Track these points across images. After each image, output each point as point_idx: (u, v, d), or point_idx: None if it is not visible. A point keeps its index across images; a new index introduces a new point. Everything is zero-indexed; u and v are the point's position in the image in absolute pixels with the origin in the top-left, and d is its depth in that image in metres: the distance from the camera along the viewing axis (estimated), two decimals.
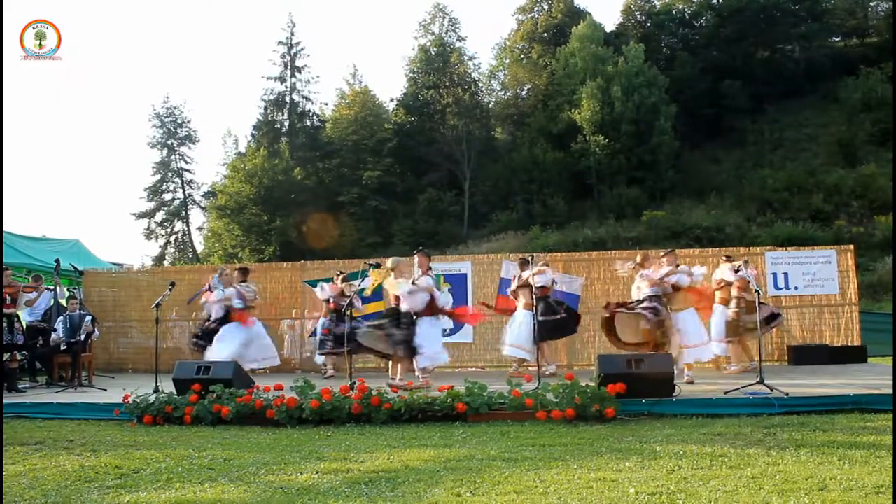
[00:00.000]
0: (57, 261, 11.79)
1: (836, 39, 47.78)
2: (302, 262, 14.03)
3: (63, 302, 11.76)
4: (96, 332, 11.77)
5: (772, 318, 10.56)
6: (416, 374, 9.34)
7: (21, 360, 10.21)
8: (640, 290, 9.36)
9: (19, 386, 10.20)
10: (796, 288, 12.17)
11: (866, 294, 21.49)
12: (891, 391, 7.05)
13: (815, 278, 12.18)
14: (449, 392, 7.31)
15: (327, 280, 12.11)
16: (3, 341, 9.73)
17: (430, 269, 9.68)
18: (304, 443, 6.29)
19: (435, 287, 9.56)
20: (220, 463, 5.46)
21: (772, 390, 7.49)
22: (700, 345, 9.27)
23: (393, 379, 9.14)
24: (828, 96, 41.84)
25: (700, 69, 44.94)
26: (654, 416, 7.01)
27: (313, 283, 12.46)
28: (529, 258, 10.46)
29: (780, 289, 12.14)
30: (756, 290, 8.39)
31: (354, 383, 7.77)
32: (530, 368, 9.91)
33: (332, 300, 11.40)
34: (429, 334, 9.32)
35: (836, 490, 4.21)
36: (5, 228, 14.49)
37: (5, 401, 8.90)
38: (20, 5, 50.35)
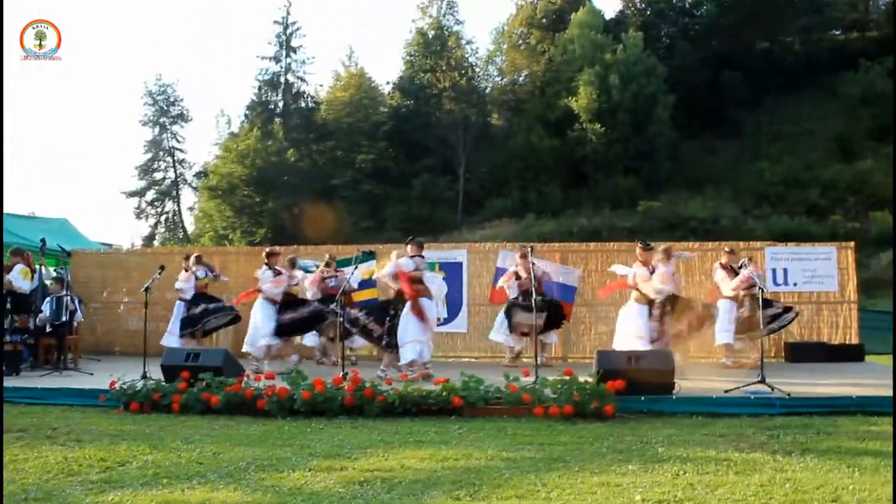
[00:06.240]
0: (42, 240, 11.44)
1: (837, 33, 47.44)
2: (294, 246, 13.81)
3: (48, 283, 11.48)
4: (80, 312, 11.51)
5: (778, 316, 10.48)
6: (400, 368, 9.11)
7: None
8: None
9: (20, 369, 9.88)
10: (795, 284, 12.01)
11: (860, 290, 21.38)
12: (891, 393, 6.91)
13: (814, 275, 12.02)
14: (444, 385, 7.12)
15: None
16: (3, 328, 9.31)
17: (422, 257, 9.31)
18: (295, 436, 6.11)
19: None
20: (209, 457, 5.27)
21: (773, 389, 7.34)
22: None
23: (384, 371, 8.91)
24: (827, 90, 41.54)
25: (699, 59, 44.63)
26: (654, 415, 6.86)
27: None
28: (529, 249, 10.24)
29: (780, 285, 11.97)
30: (760, 289, 8.24)
31: (347, 374, 7.60)
32: (524, 360, 9.77)
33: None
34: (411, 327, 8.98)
35: (849, 501, 4.07)
36: None
37: None
38: (20, 5, 49.70)
